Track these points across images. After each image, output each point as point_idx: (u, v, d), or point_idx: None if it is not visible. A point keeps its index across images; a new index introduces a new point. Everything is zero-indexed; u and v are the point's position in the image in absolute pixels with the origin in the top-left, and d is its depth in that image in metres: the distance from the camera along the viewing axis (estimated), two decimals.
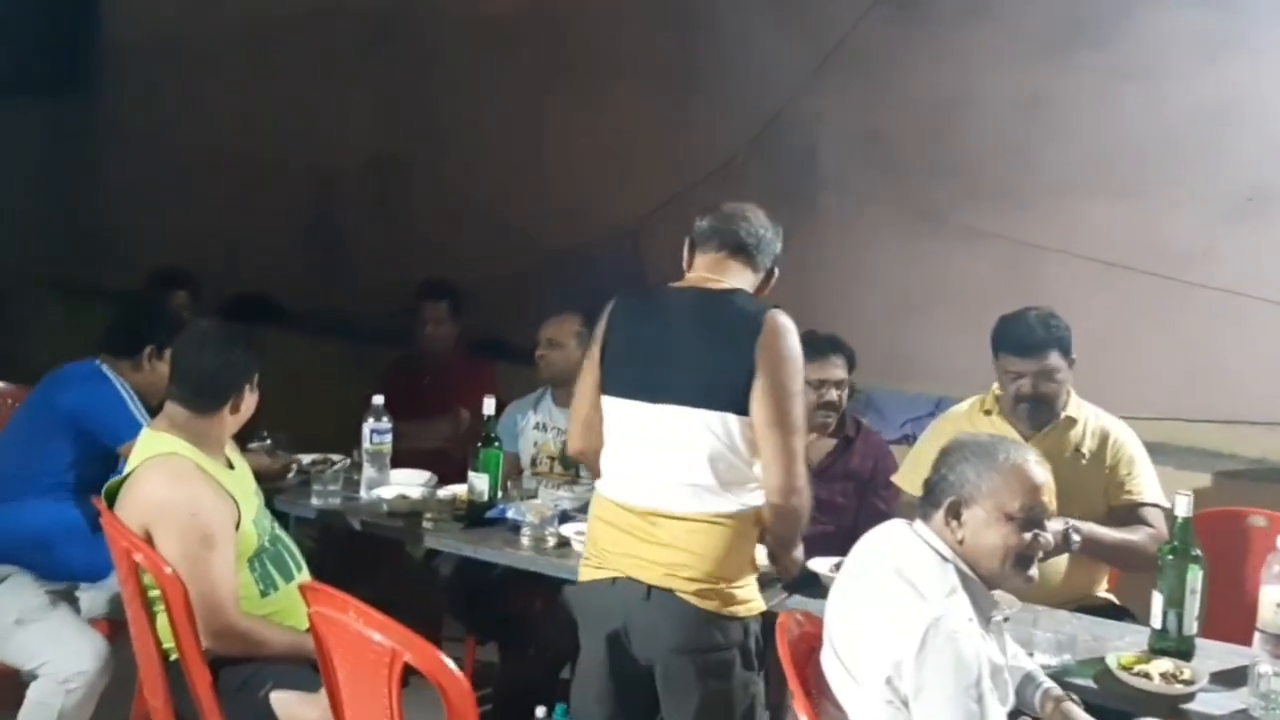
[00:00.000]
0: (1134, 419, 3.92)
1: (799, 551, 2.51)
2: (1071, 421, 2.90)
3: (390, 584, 3.34)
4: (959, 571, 1.93)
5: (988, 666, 1.80)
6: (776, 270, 2.49)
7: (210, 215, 5.73)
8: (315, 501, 3.09)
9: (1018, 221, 4.13)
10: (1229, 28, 3.72)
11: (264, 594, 2.48)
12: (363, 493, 3.13)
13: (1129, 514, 2.82)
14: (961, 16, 4.20)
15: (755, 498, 2.32)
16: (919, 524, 2.01)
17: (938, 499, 1.98)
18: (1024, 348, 2.86)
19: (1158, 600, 2.34)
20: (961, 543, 1.95)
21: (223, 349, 2.50)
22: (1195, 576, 2.32)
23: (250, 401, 2.55)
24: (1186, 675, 2.22)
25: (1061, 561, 2.77)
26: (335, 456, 3.33)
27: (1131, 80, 3.91)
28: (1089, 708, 2.09)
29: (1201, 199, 3.85)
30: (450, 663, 1.88)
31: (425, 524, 2.97)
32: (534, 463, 3.66)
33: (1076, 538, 2.60)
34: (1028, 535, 1.95)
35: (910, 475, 3.10)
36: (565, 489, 3.61)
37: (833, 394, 3.23)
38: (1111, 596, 2.96)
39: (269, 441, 3.32)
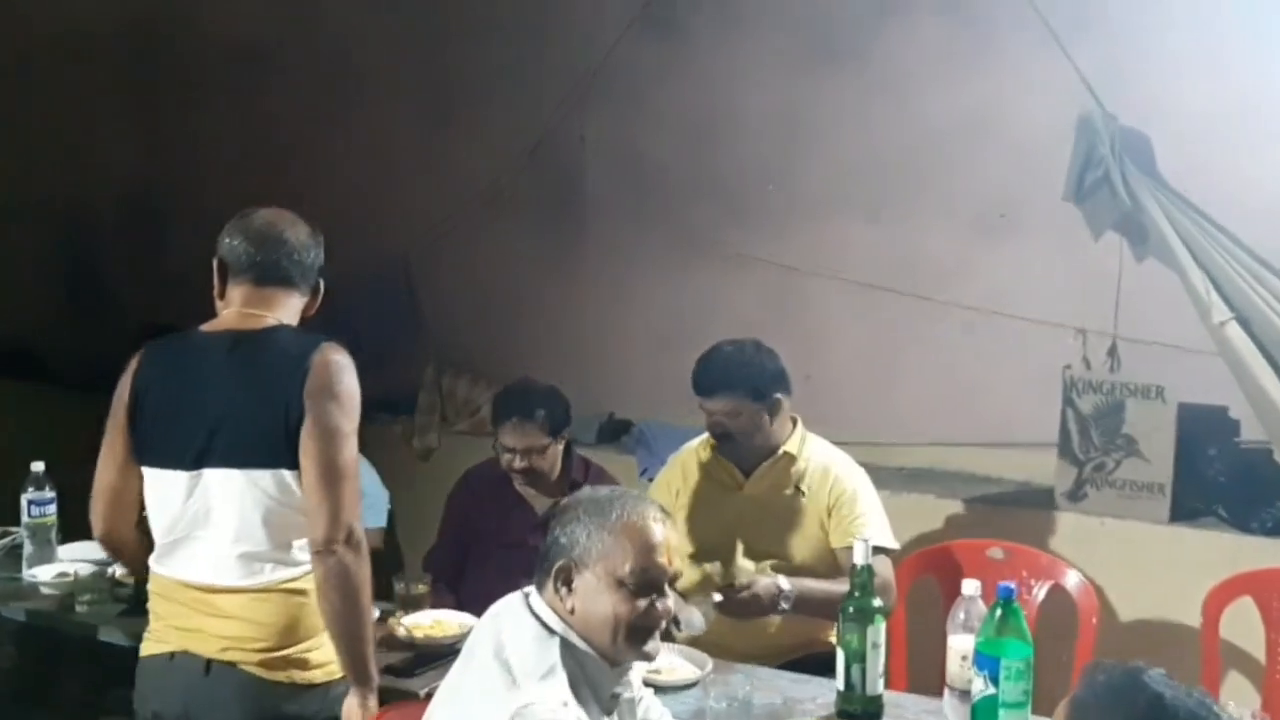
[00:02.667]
0: (898, 445, 3.86)
1: (371, 646, 2.10)
2: (790, 458, 2.74)
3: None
4: (566, 646, 1.69)
5: None
6: (322, 284, 2.27)
7: None
8: None
9: (781, 245, 3.99)
10: (975, 40, 3.64)
11: None
12: (23, 573, 2.78)
13: (848, 561, 2.64)
14: (717, 34, 4.05)
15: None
16: (534, 593, 1.77)
17: (549, 564, 1.75)
18: (704, 388, 2.73)
19: (840, 658, 2.16)
20: (573, 612, 1.71)
21: None
22: (877, 629, 2.14)
23: None
24: None
25: (767, 619, 2.59)
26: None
27: (883, 95, 3.80)
28: None
29: (955, 216, 3.75)
30: None
31: (79, 607, 2.64)
32: None
33: (786, 604, 2.51)
34: (642, 603, 1.71)
35: None
36: None
37: (522, 463, 2.97)
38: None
39: None
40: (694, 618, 2.48)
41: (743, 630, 2.60)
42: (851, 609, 2.15)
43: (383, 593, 2.75)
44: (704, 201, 4.11)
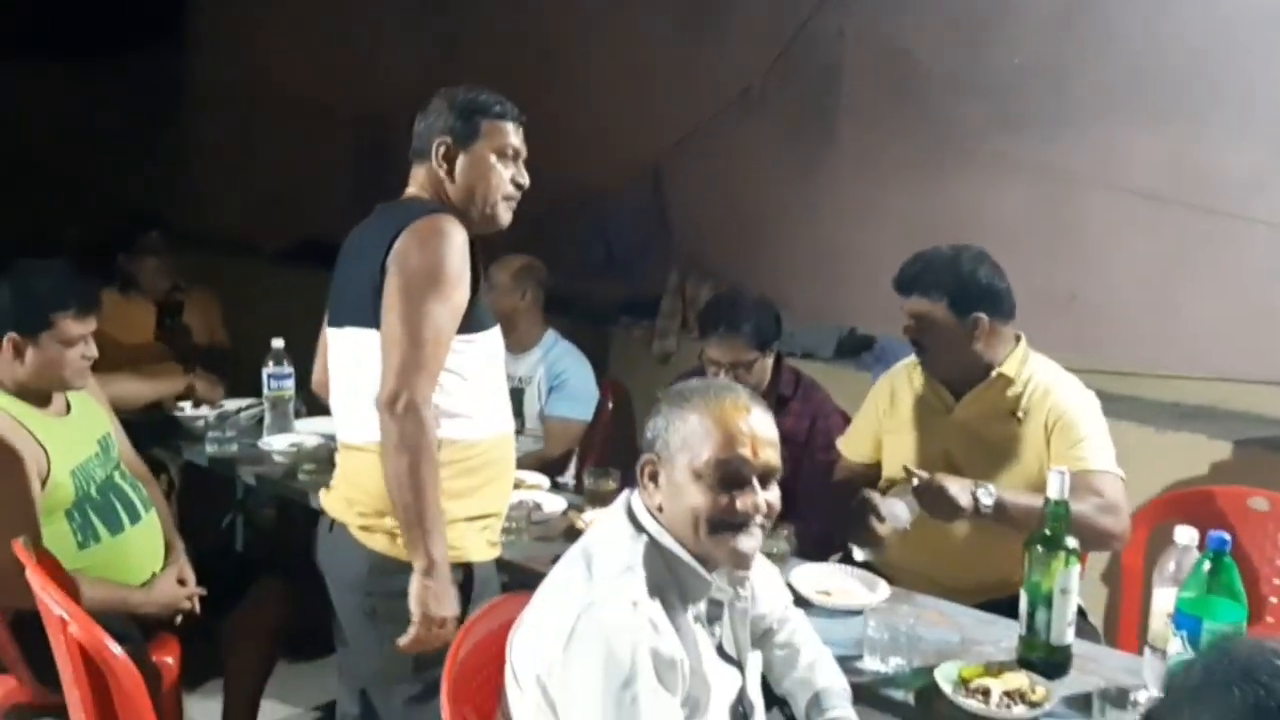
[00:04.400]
0: (1175, 378, 3.43)
1: (432, 528, 2.00)
2: (1006, 380, 2.46)
3: None
4: (654, 545, 1.59)
5: (649, 662, 1.46)
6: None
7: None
8: (209, 449, 3.01)
9: (1052, 150, 3.61)
10: None
11: (82, 546, 2.41)
12: (262, 441, 3.02)
13: (1076, 485, 2.36)
14: None
15: (445, 428, 2.06)
16: (637, 490, 1.67)
17: (640, 459, 1.65)
18: (901, 284, 2.54)
19: (1024, 600, 1.94)
20: (661, 510, 1.61)
21: (28, 279, 2.42)
22: (1069, 573, 1.90)
23: (75, 329, 2.44)
24: (1037, 695, 1.82)
25: (967, 544, 2.36)
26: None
27: None
28: None
29: (1257, 118, 3.24)
30: (112, 644, 1.76)
31: (301, 475, 2.83)
32: None
33: (988, 501, 2.20)
34: (723, 497, 1.58)
35: (851, 440, 2.76)
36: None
37: (728, 376, 2.80)
38: None
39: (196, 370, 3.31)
40: (897, 509, 2.27)
41: (943, 560, 2.40)
42: (1039, 547, 1.91)
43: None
44: (969, 102, 3.77)
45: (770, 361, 2.93)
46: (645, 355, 4.33)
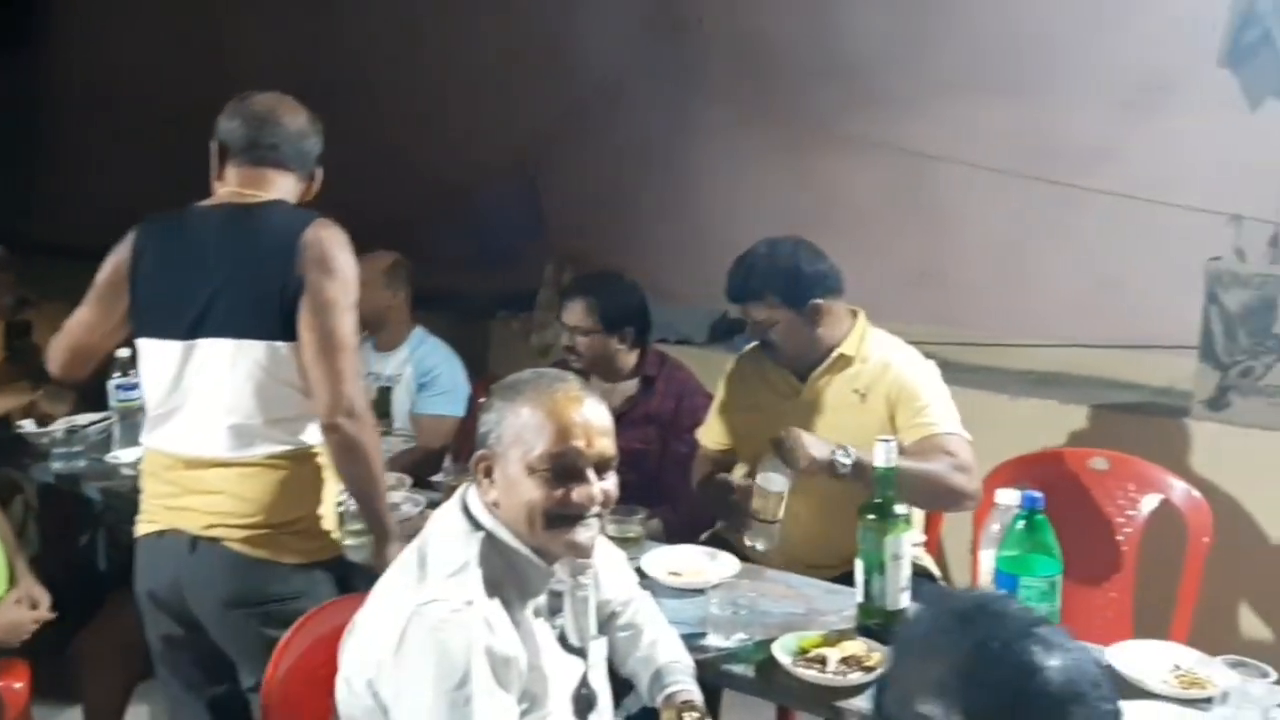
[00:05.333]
0: (1028, 346, 3.54)
1: (385, 503, 2.16)
2: (846, 359, 2.50)
3: None
4: (490, 542, 1.58)
5: (483, 661, 1.46)
6: (320, 172, 2.25)
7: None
8: (55, 466, 2.91)
9: (908, 128, 3.70)
10: None
11: None
12: (110, 455, 2.93)
13: (926, 449, 2.42)
14: None
15: (317, 434, 2.10)
16: (473, 486, 1.66)
17: (475, 454, 1.64)
18: (735, 294, 2.51)
19: (859, 569, 1.99)
20: (497, 505, 1.60)
21: None
22: (899, 539, 1.95)
23: None
24: (873, 660, 1.87)
25: (823, 517, 2.39)
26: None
27: None
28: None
29: (1099, 92, 3.36)
30: None
31: None
32: None
33: (846, 461, 2.20)
34: (558, 490, 1.57)
35: (710, 430, 2.75)
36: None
37: (574, 340, 2.91)
38: (923, 558, 2.56)
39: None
40: (772, 477, 2.23)
41: (802, 535, 2.43)
42: (871, 515, 1.96)
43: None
44: (826, 84, 3.85)
45: (616, 344, 2.94)
46: (525, 348, 4.32)
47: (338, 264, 2.05)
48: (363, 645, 1.56)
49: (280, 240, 2.05)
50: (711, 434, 2.74)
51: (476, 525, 1.61)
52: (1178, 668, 1.89)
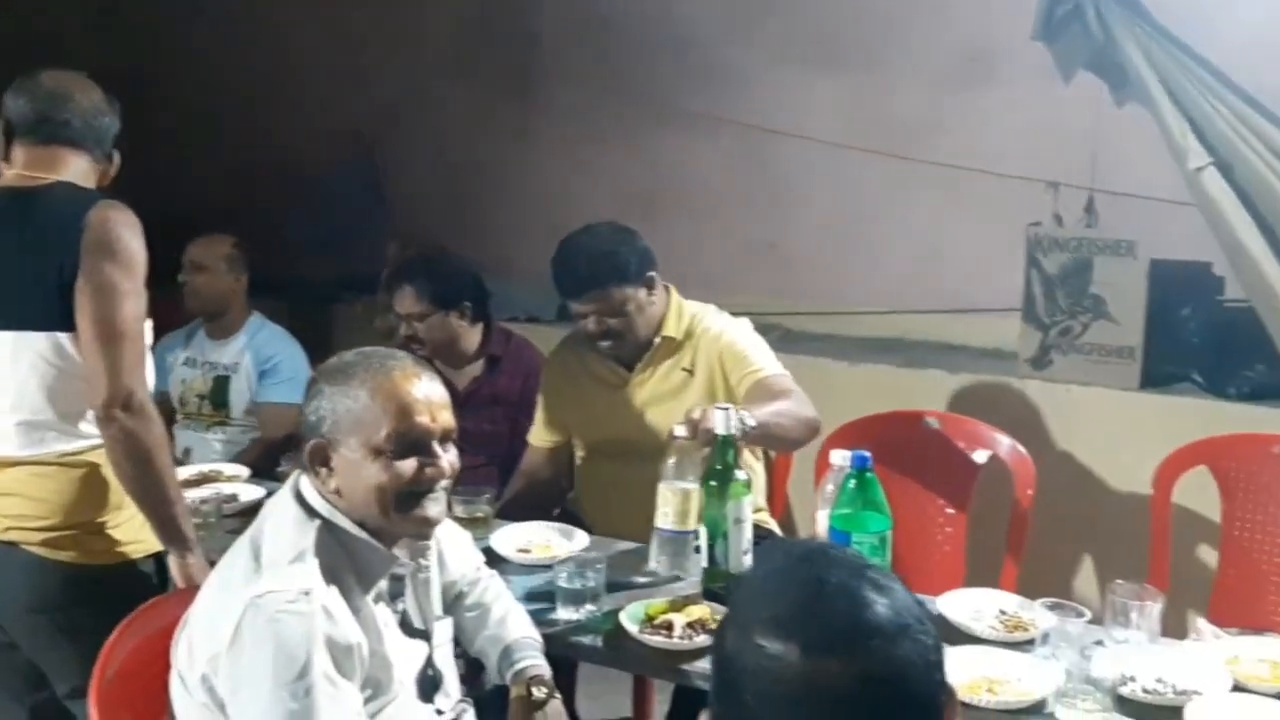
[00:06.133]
0: (866, 314, 3.66)
1: (179, 509, 1.99)
2: (671, 342, 2.50)
3: None
4: (328, 529, 1.55)
5: (323, 651, 1.43)
6: (117, 155, 2.13)
7: None
8: None
9: (745, 104, 3.76)
10: None
11: None
12: None
13: (761, 394, 2.43)
14: None
15: None
16: (305, 475, 1.62)
17: (302, 444, 1.60)
18: (570, 290, 2.47)
19: (704, 534, 2.03)
20: (338, 493, 1.57)
21: None
22: (741, 504, 1.99)
23: None
24: (718, 624, 1.90)
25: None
26: None
27: None
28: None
29: (923, 66, 3.49)
30: None
31: None
32: (182, 403, 3.32)
33: (751, 423, 2.12)
34: (408, 467, 1.55)
35: (539, 431, 2.69)
36: (216, 430, 3.30)
37: (412, 328, 2.86)
38: (766, 521, 2.62)
39: None
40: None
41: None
42: (713, 481, 2.00)
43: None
44: (664, 60, 3.89)
45: (456, 321, 2.91)
46: (369, 332, 4.22)
47: (121, 246, 1.93)
48: (196, 641, 1.51)
49: (61, 222, 1.92)
50: (544, 435, 2.67)
51: (312, 514, 1.57)
52: (1002, 612, 1.99)
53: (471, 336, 2.95)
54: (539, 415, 2.67)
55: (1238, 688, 1.74)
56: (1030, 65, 3.18)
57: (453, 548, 1.87)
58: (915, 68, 3.52)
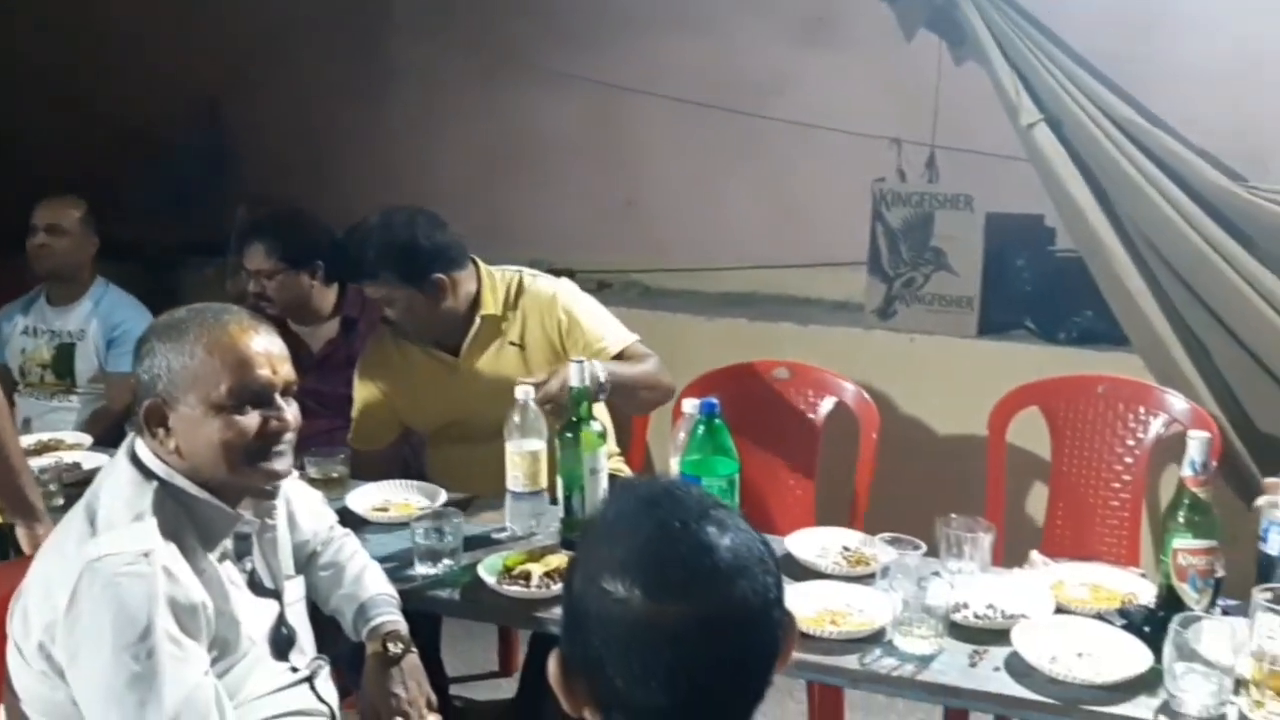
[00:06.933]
0: (722, 270, 3.73)
1: (25, 478, 1.99)
2: (493, 319, 2.46)
3: None
4: (165, 490, 1.52)
5: (165, 611, 1.41)
6: None
7: None
8: None
9: (601, 62, 3.76)
10: None
11: None
12: None
13: (627, 357, 2.46)
14: None
15: None
16: (139, 436, 1.58)
17: (137, 406, 1.56)
18: (350, 273, 2.44)
19: (560, 485, 2.06)
20: (178, 452, 1.53)
21: None
22: (596, 454, 2.04)
23: None
24: None
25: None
26: None
27: None
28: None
29: (772, 24, 3.54)
30: None
31: None
32: (23, 374, 3.18)
33: (603, 377, 2.17)
34: (250, 420, 1.52)
35: (360, 434, 2.58)
36: (60, 399, 3.18)
37: (261, 285, 2.81)
38: (622, 469, 2.67)
39: None
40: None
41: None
42: (568, 434, 2.03)
43: None
44: (517, 17, 3.86)
45: (309, 281, 2.85)
46: (220, 296, 4.09)
47: None
48: (31, 609, 1.47)
49: None
50: (367, 437, 2.56)
51: (149, 475, 1.54)
52: (846, 549, 2.09)
53: (326, 297, 2.90)
54: (360, 420, 2.56)
55: (1060, 610, 1.87)
56: (874, 24, 3.27)
57: (303, 507, 1.86)
58: (765, 26, 3.57)
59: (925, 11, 3.16)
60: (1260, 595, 1.60)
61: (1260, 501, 1.85)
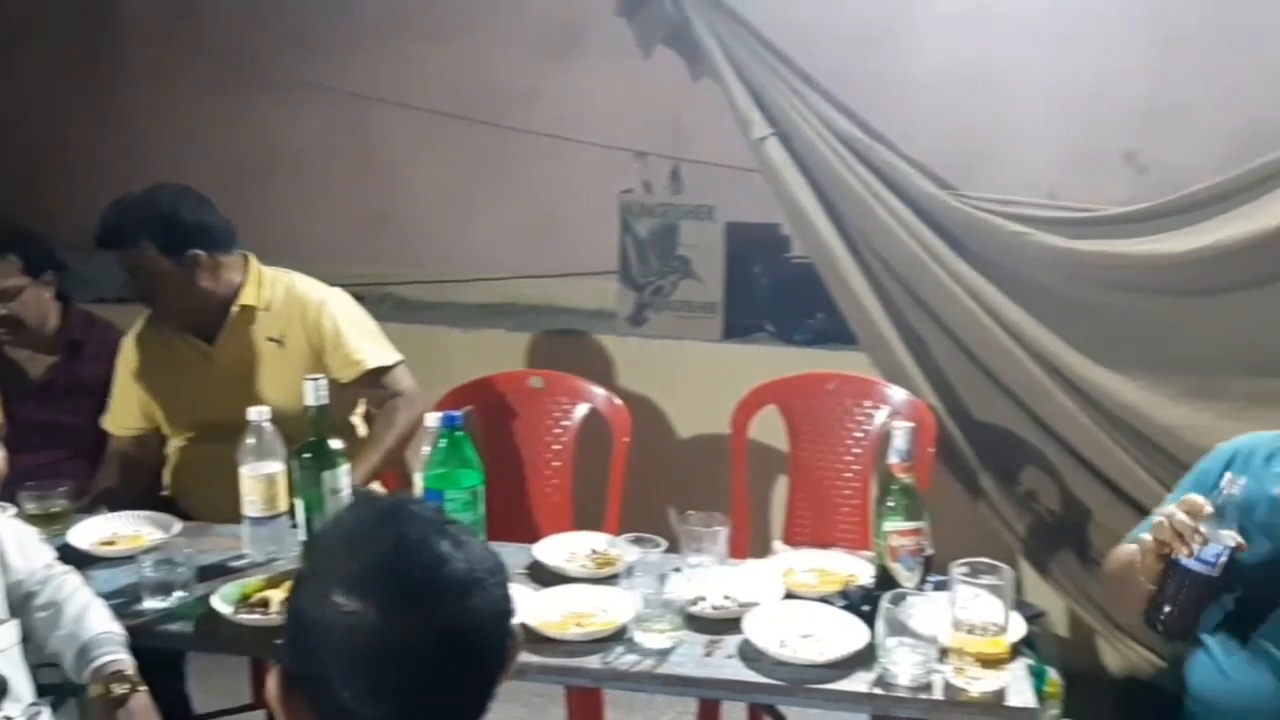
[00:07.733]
0: (477, 281, 3.74)
1: None
2: (250, 311, 2.44)
3: None
4: None
5: None
6: None
7: None
8: None
9: (348, 71, 3.70)
10: None
11: None
12: None
13: (370, 386, 2.49)
14: None
15: None
16: None
17: None
18: (104, 240, 2.35)
19: (300, 509, 2.02)
20: None
21: None
22: (336, 474, 2.01)
23: None
24: None
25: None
26: None
27: None
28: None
29: (518, 36, 3.58)
30: None
31: None
32: None
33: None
34: None
35: (116, 417, 2.56)
36: None
37: (8, 307, 2.64)
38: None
39: None
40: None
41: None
42: (306, 455, 1.99)
43: None
44: (256, 26, 3.74)
45: (50, 296, 2.70)
46: None
47: None
48: None
49: None
50: (120, 421, 2.55)
51: None
52: (594, 551, 2.14)
53: (55, 316, 2.73)
54: (116, 402, 2.53)
55: (790, 595, 1.98)
56: (616, 40, 3.36)
57: (15, 547, 1.76)
58: (512, 38, 3.60)
59: (661, 29, 3.27)
60: (957, 569, 1.75)
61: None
